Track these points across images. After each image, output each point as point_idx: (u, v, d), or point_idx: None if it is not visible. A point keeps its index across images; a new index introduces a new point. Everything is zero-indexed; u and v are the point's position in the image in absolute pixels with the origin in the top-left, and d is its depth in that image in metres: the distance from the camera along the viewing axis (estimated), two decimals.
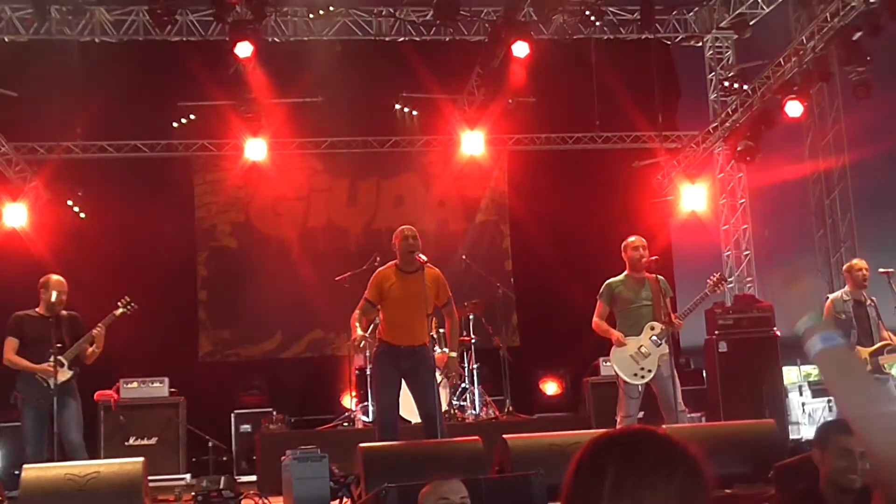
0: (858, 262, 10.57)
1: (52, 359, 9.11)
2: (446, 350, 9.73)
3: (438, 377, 9.55)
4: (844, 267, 11.00)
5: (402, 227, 9.20)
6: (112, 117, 14.62)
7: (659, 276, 9.43)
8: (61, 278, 9.56)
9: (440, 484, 5.10)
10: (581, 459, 1.99)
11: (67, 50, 13.94)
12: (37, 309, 9.48)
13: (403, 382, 8.98)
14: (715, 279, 9.65)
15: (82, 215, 14.67)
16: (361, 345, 8.91)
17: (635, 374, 9.17)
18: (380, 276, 9.06)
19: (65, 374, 9.23)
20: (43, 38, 13.65)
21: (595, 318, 9.46)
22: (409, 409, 9.75)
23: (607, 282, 9.51)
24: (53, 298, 9.32)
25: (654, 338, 9.21)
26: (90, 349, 9.39)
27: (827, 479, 4.64)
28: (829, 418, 13.86)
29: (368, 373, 11.17)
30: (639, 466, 1.91)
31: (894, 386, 10.61)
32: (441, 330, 11.34)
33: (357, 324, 8.94)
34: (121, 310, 9.55)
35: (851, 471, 4.47)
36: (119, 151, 15.14)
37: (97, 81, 13.94)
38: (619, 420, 9.20)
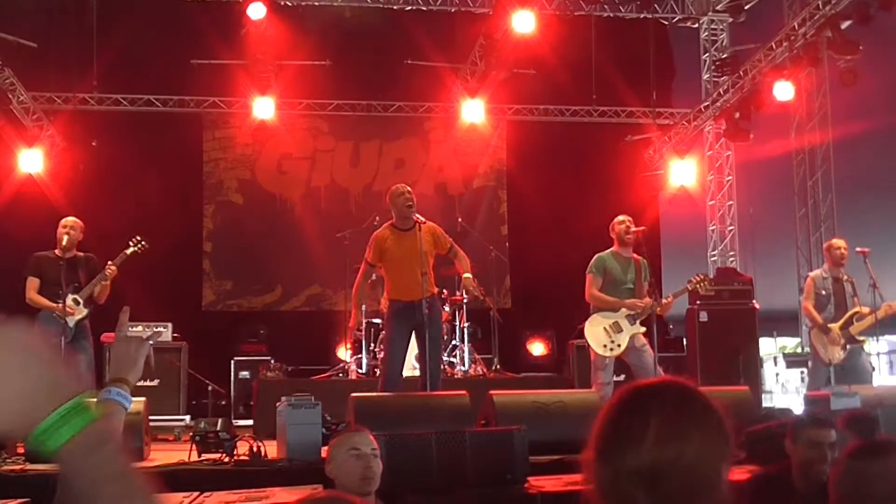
0: (837, 242, 10.86)
1: (67, 298, 9.42)
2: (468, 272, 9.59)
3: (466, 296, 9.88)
4: (825, 245, 11.35)
5: (396, 184, 9.42)
6: (127, 71, 14.99)
7: (643, 259, 9.55)
8: (75, 219, 9.87)
9: (351, 435, 5.02)
10: (623, 407, 1.99)
11: (86, 4, 14.32)
12: (55, 250, 9.75)
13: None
14: (698, 279, 9.75)
15: (94, 143, 15.02)
16: (359, 330, 9.36)
17: (605, 346, 9.29)
18: (378, 238, 9.26)
19: (81, 313, 9.57)
20: None
21: (592, 291, 9.46)
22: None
23: (598, 255, 9.59)
24: (64, 242, 9.63)
25: (630, 316, 9.35)
26: (103, 286, 9.66)
27: (799, 468, 4.84)
28: (802, 390, 14.27)
29: (380, 329, 11.31)
30: (681, 416, 1.93)
31: (867, 357, 11.13)
32: (445, 291, 11.84)
33: (356, 305, 9.40)
34: (132, 248, 9.80)
35: (821, 461, 4.68)
36: (132, 105, 15.53)
37: (114, 37, 14.26)
38: (596, 387, 9.31)
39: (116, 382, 2.68)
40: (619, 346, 9.33)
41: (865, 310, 10.42)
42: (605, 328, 9.38)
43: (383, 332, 10.57)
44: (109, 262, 9.70)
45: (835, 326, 10.46)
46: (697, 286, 9.79)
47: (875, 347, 12.37)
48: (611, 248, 9.66)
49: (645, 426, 1.91)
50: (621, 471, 1.91)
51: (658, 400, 1.98)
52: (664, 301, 9.54)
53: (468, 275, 9.49)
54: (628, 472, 1.90)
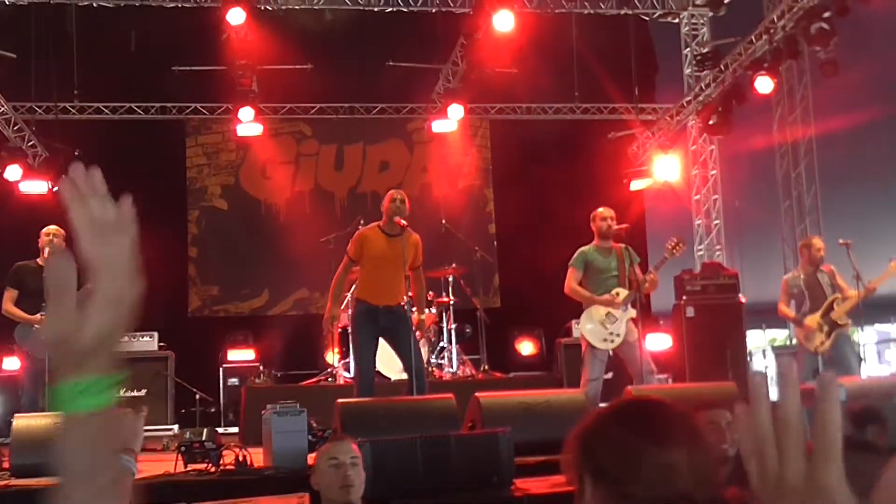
0: (816, 242, 10.96)
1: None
2: (423, 313, 9.69)
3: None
4: (801, 242, 11.42)
5: (393, 190, 9.44)
6: (108, 80, 14.99)
7: (624, 245, 9.55)
8: (57, 227, 9.82)
9: (331, 445, 5.07)
10: (584, 432, 2.02)
11: (66, 13, 14.24)
12: (37, 260, 9.78)
13: (382, 340, 9.23)
14: (673, 243, 9.69)
15: (77, 152, 14.94)
16: (333, 323, 9.37)
17: (604, 340, 9.33)
18: (362, 236, 9.27)
19: None
20: (42, 1, 13.92)
21: (572, 285, 9.51)
22: (387, 365, 10.07)
23: (580, 249, 9.62)
24: (46, 252, 9.65)
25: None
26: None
27: None
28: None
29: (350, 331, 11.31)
30: (637, 435, 1.94)
31: (855, 347, 11.11)
32: (431, 293, 11.83)
33: (333, 297, 9.30)
34: None
35: (721, 442, 4.63)
36: (114, 113, 15.50)
37: (94, 45, 14.27)
38: (583, 382, 9.34)
39: (125, 451, 2.73)
40: (617, 335, 9.37)
41: (850, 293, 10.46)
42: (600, 321, 9.41)
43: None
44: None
45: (814, 316, 10.59)
46: (674, 250, 9.74)
47: (863, 338, 12.38)
48: (592, 242, 9.70)
49: (602, 446, 1.95)
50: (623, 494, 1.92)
51: (615, 421, 2.01)
52: (649, 277, 9.53)
53: (423, 316, 9.50)
54: (626, 496, 1.91)
